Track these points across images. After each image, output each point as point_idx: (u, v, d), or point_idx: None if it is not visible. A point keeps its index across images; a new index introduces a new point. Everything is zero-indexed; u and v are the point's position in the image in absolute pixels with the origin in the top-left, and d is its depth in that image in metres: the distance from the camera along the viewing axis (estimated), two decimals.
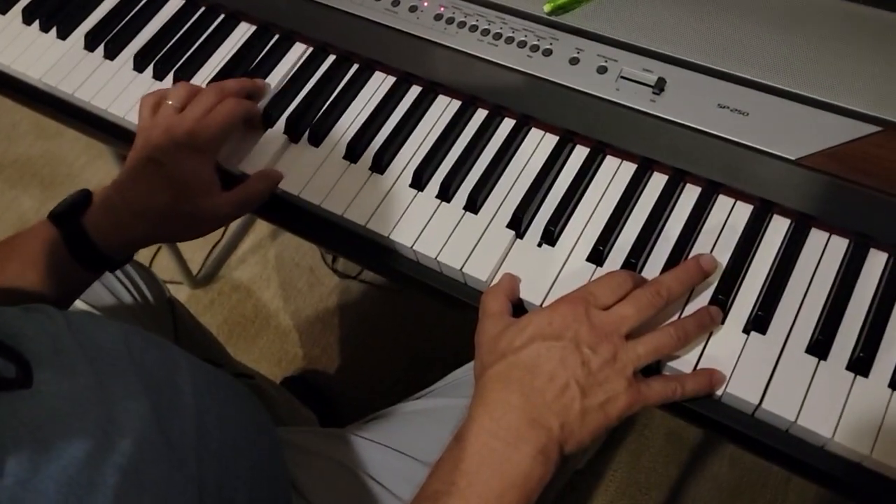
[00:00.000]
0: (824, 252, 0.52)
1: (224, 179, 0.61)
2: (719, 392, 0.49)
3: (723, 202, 0.55)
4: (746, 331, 0.50)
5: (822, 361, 0.48)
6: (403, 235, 0.58)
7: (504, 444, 0.45)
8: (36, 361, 0.41)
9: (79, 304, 0.77)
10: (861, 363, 0.47)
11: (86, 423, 0.40)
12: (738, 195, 0.55)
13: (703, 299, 0.52)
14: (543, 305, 0.52)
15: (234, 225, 1.48)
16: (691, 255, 0.53)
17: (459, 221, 0.58)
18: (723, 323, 0.51)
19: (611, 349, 0.47)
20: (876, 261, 0.51)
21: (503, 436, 0.45)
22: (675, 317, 0.51)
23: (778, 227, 0.54)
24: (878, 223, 0.51)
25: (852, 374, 0.47)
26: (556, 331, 0.48)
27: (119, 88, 0.70)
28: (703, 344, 0.50)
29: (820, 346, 0.48)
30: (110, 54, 0.72)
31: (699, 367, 0.50)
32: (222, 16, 0.72)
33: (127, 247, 0.60)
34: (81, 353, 0.44)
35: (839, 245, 0.52)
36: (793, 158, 0.53)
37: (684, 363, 0.50)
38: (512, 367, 0.48)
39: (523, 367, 0.47)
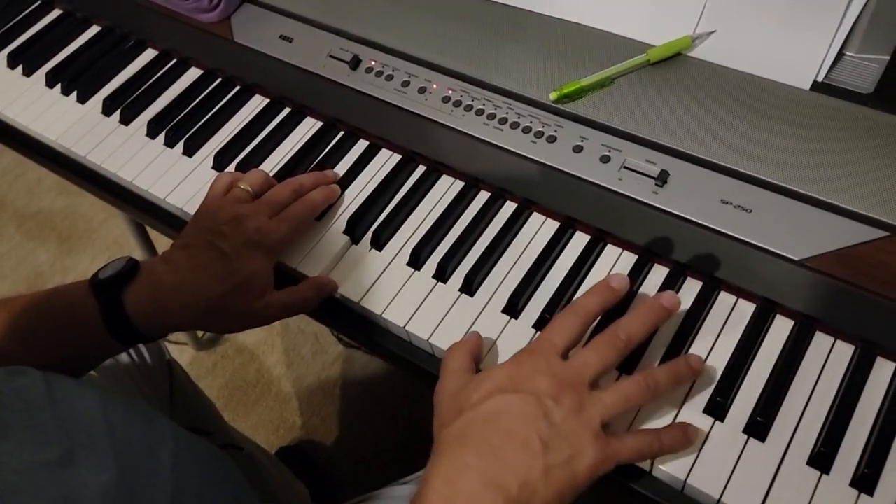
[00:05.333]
0: (829, 357, 0.50)
1: None
2: (714, 498, 0.46)
3: (724, 299, 0.54)
4: (745, 432, 0.48)
5: (824, 475, 0.46)
6: (396, 315, 0.57)
7: None
8: (3, 431, 0.40)
9: None
10: (866, 480, 0.45)
11: (41, 501, 0.38)
12: (741, 292, 0.53)
13: (700, 401, 0.49)
14: None
15: None
16: (690, 352, 0.51)
17: (454, 303, 0.57)
18: (722, 421, 0.49)
19: (575, 399, 0.45)
20: (883, 370, 0.49)
21: (458, 501, 0.42)
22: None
23: (781, 328, 0.52)
24: (885, 330, 0.49)
25: (856, 492, 0.45)
26: (515, 383, 0.46)
27: (130, 153, 0.71)
28: (698, 447, 0.48)
29: (822, 459, 0.46)
30: (125, 120, 0.73)
31: (694, 470, 0.47)
32: (237, 87, 0.74)
33: (164, 329, 0.56)
34: (56, 424, 0.43)
35: (844, 351, 0.50)
36: (796, 259, 0.51)
37: (678, 467, 0.47)
38: (468, 424, 0.45)
39: (480, 423, 0.45)
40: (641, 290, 0.55)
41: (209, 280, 0.54)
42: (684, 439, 0.47)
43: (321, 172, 0.65)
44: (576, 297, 0.53)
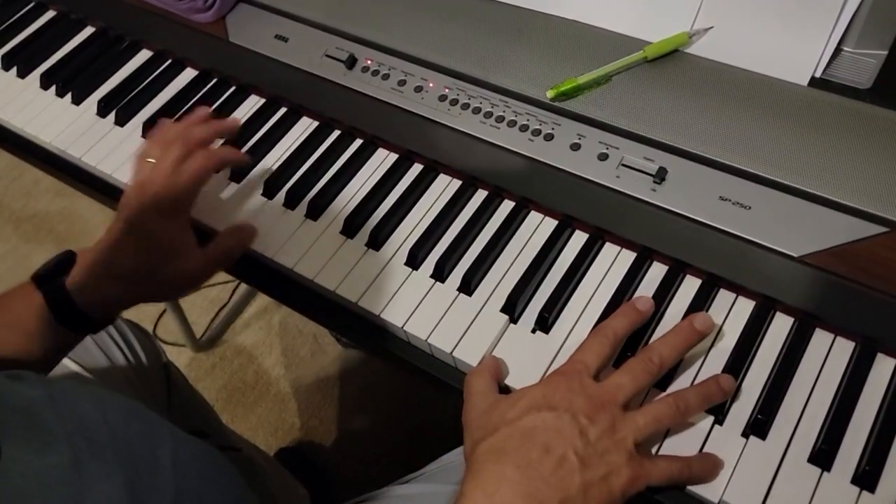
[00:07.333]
0: (829, 354, 0.50)
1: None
2: (715, 499, 0.46)
3: (724, 296, 0.53)
4: (745, 435, 0.48)
5: (825, 473, 0.45)
6: (395, 315, 0.57)
7: None
8: (9, 436, 0.40)
9: (71, 365, 0.76)
10: (867, 477, 0.44)
11: None
12: (740, 290, 0.53)
13: None
14: None
15: (242, 289, 1.47)
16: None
17: (453, 303, 0.57)
18: (721, 424, 0.48)
19: (608, 419, 0.45)
20: (883, 366, 0.49)
21: None
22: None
23: (781, 326, 0.52)
24: (885, 327, 0.49)
25: (858, 489, 0.44)
26: (550, 402, 0.46)
27: (125, 154, 0.70)
28: (699, 447, 0.47)
29: (823, 456, 0.46)
30: (120, 121, 0.73)
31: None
32: (233, 88, 0.74)
33: (108, 307, 0.59)
34: (60, 428, 0.43)
35: (845, 347, 0.50)
36: (795, 255, 0.51)
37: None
38: (506, 439, 0.45)
39: (518, 438, 0.45)
40: (641, 287, 0.55)
41: (127, 253, 0.57)
42: (712, 471, 0.47)
43: (218, 122, 0.64)
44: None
